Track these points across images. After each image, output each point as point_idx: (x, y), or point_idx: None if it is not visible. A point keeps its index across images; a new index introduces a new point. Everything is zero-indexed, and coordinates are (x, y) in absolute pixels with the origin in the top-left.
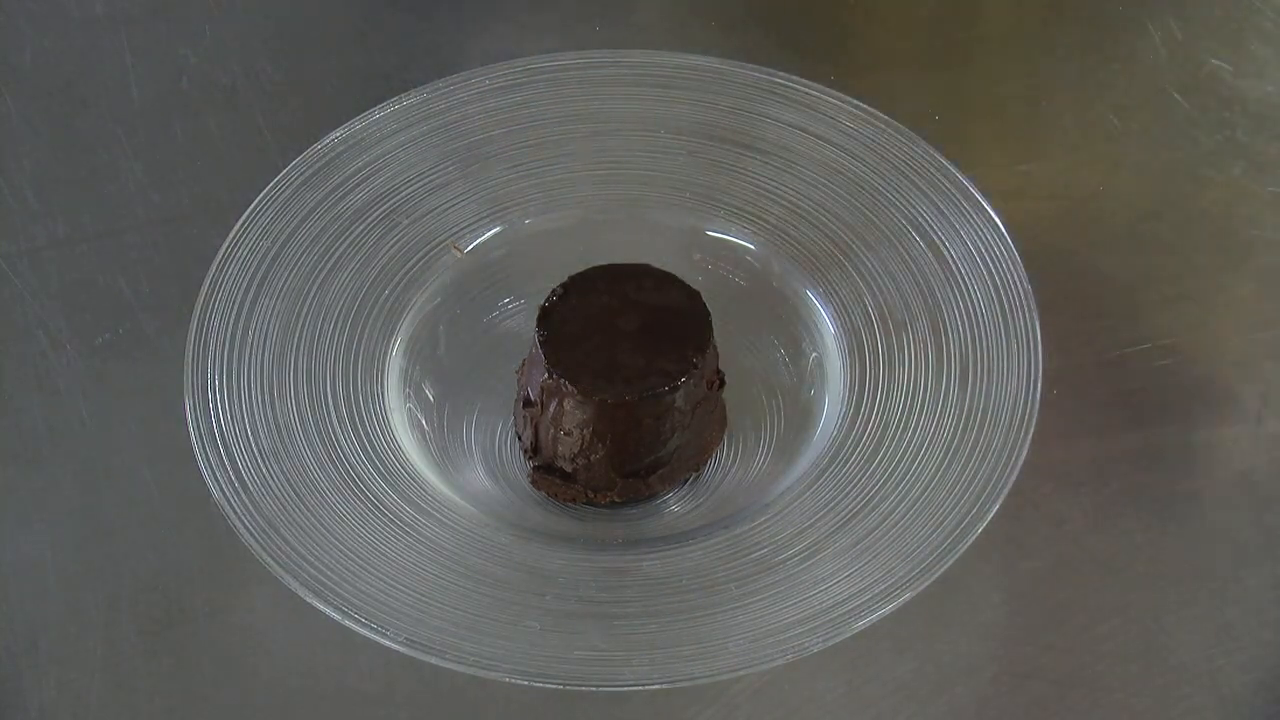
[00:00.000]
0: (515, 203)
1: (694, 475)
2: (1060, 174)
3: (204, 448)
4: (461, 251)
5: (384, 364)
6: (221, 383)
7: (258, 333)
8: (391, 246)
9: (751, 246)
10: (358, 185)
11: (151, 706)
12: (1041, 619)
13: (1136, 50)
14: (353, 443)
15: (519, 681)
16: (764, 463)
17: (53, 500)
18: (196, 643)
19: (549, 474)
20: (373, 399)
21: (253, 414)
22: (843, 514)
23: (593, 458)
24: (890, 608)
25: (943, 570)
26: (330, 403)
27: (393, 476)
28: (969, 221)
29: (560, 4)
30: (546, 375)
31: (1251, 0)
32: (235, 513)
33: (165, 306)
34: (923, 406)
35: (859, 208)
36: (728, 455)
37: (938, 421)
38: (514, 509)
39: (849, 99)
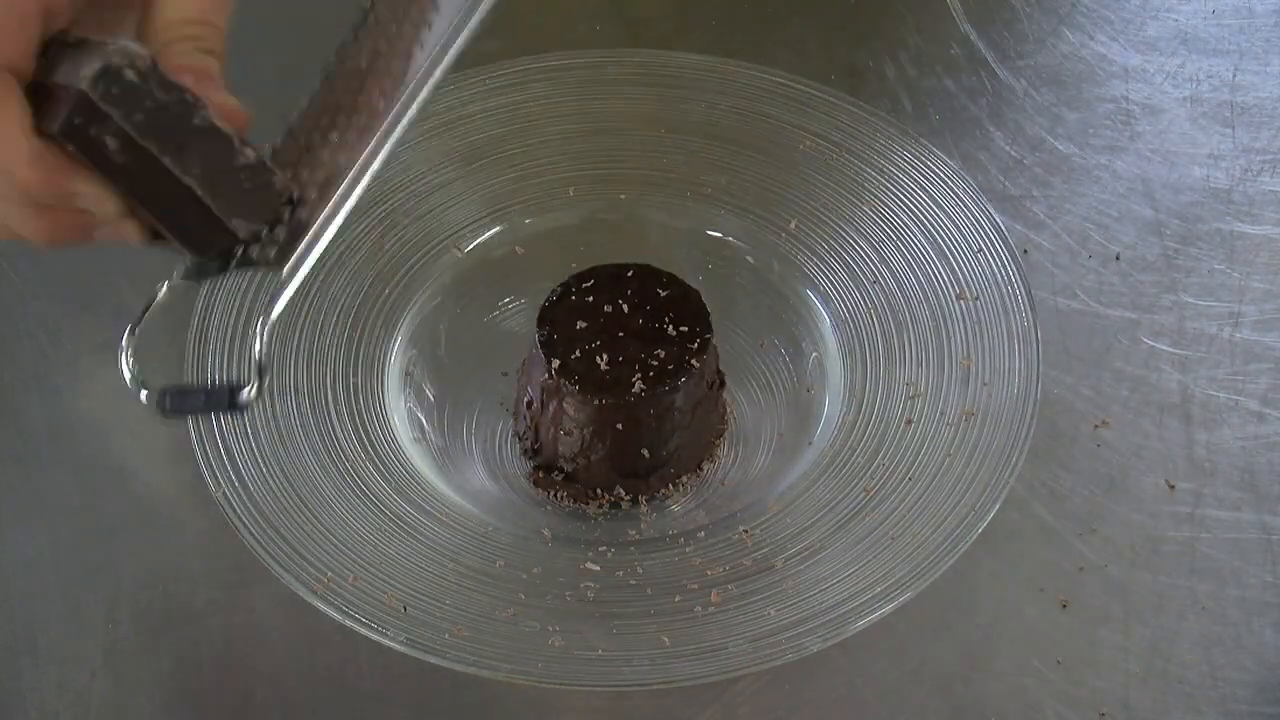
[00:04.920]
0: (515, 203)
1: (694, 475)
2: None
3: (204, 448)
4: (462, 251)
5: (384, 364)
6: (222, 382)
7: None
8: (391, 246)
9: (751, 246)
10: None
11: (151, 706)
12: (1041, 620)
13: None
14: (353, 443)
15: (519, 681)
16: (764, 463)
17: (53, 500)
18: (197, 642)
19: (549, 474)
20: (373, 399)
21: (253, 414)
22: (843, 514)
23: (593, 457)
24: (890, 608)
25: (942, 570)
26: (330, 403)
27: (393, 476)
28: (970, 221)
29: (561, 4)
30: (546, 375)
31: None
32: (235, 513)
33: (166, 306)
34: (922, 406)
35: (859, 207)
36: (728, 455)
37: (937, 421)
38: (514, 509)
39: (848, 98)
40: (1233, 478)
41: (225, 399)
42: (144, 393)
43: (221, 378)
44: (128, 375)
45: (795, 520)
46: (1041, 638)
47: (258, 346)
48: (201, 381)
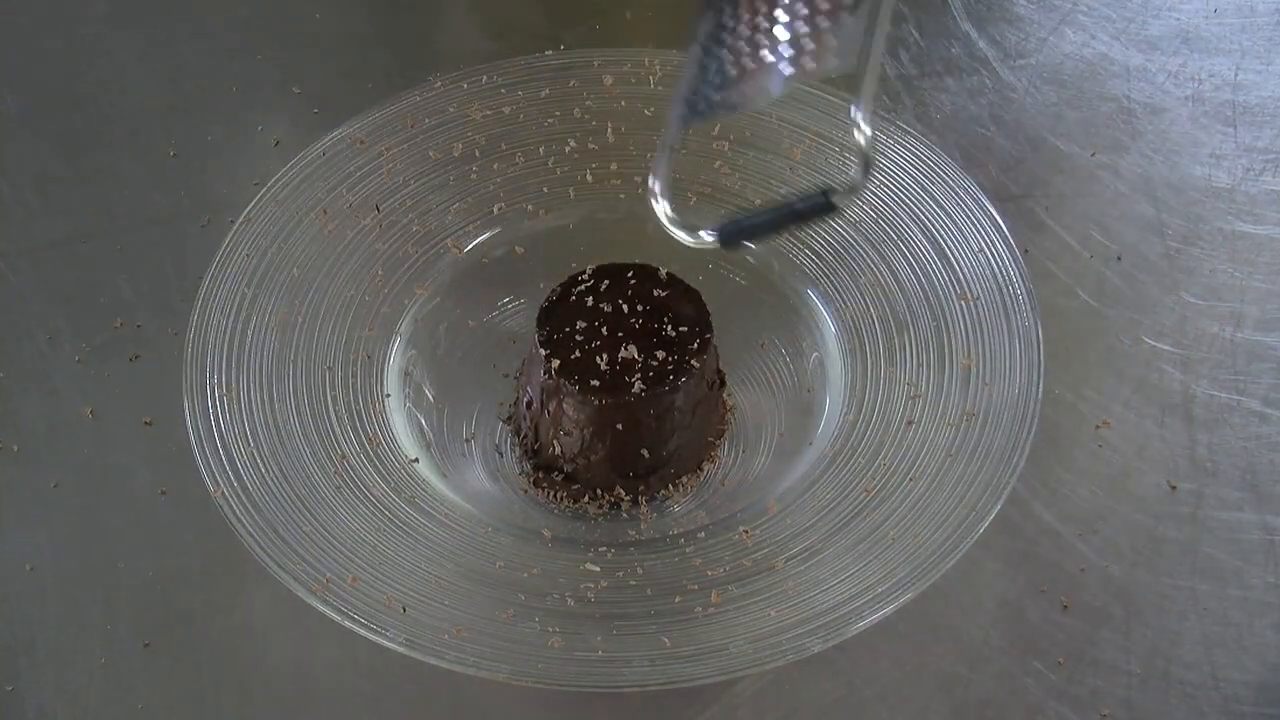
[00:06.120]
0: (515, 203)
1: (694, 475)
2: None
3: (204, 448)
4: (461, 251)
5: (384, 364)
6: (221, 383)
7: (257, 333)
8: (391, 246)
9: (752, 246)
10: (358, 185)
11: (151, 706)
12: (1042, 620)
13: None
14: (353, 443)
15: (519, 681)
16: (764, 463)
17: (53, 500)
18: (196, 643)
19: (549, 474)
20: (373, 399)
21: (253, 414)
22: (843, 514)
23: (593, 458)
24: (891, 608)
25: (943, 571)
26: (330, 403)
27: (393, 476)
28: (970, 221)
29: (560, 4)
30: (546, 375)
31: None
32: (235, 513)
33: (165, 306)
34: (923, 406)
35: (859, 207)
36: (728, 455)
37: (938, 421)
38: (514, 509)
39: (849, 98)
40: (1234, 478)
41: (819, 204)
42: (700, 233)
43: (223, 378)
44: (666, 219)
45: (796, 521)
46: (1042, 638)
47: (861, 135)
48: None
